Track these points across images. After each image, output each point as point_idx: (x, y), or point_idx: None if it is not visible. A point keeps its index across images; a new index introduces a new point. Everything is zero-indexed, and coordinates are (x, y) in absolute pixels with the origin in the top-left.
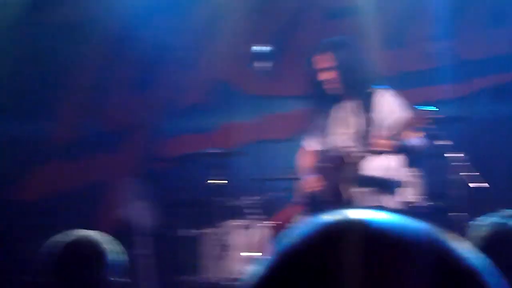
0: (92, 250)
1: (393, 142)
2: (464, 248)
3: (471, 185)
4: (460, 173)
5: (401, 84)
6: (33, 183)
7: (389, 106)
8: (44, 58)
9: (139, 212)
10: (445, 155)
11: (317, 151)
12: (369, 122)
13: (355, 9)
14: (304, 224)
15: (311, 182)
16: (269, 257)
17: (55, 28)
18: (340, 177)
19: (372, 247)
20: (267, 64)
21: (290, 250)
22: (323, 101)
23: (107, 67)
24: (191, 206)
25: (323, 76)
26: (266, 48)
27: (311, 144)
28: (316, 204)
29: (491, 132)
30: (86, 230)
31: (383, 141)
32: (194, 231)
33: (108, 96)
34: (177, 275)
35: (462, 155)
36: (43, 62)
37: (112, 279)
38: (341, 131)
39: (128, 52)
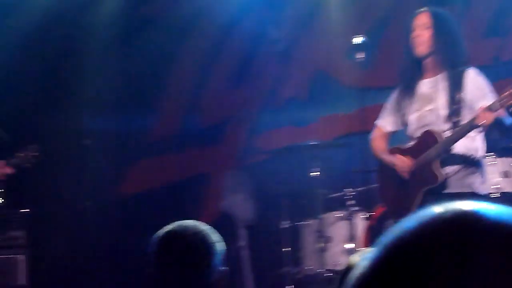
0: (201, 239)
1: (496, 115)
2: None
3: None
4: None
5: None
6: (136, 176)
7: (480, 88)
8: (146, 53)
9: (240, 204)
10: None
11: (393, 131)
12: (459, 100)
13: None
14: (413, 217)
15: (400, 162)
16: (375, 250)
17: (157, 23)
18: (431, 156)
19: (487, 241)
20: (365, 56)
21: (398, 243)
22: (411, 71)
23: (207, 61)
24: (292, 198)
25: (417, 34)
26: (364, 39)
27: (388, 123)
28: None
29: None
30: (193, 221)
31: (487, 113)
32: (294, 223)
33: (208, 90)
34: (277, 268)
35: None
36: (145, 58)
37: (221, 268)
38: (427, 107)
39: (227, 46)
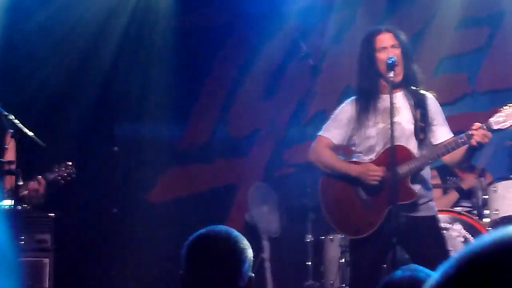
0: (233, 244)
1: (489, 135)
2: None
3: None
4: None
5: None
6: (164, 185)
7: (438, 111)
8: (179, 63)
9: (265, 216)
10: None
11: (338, 144)
12: (423, 119)
13: (486, 19)
14: (488, 234)
15: (370, 168)
16: (446, 265)
17: (191, 33)
18: (404, 172)
19: None
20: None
21: (472, 259)
22: (372, 86)
23: (238, 73)
24: (317, 212)
25: (387, 54)
26: (395, 58)
27: (336, 135)
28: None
29: None
30: (225, 226)
31: (485, 132)
32: (318, 237)
33: (238, 102)
34: (300, 281)
35: None
36: (178, 67)
37: (250, 274)
38: (388, 121)
39: (258, 59)
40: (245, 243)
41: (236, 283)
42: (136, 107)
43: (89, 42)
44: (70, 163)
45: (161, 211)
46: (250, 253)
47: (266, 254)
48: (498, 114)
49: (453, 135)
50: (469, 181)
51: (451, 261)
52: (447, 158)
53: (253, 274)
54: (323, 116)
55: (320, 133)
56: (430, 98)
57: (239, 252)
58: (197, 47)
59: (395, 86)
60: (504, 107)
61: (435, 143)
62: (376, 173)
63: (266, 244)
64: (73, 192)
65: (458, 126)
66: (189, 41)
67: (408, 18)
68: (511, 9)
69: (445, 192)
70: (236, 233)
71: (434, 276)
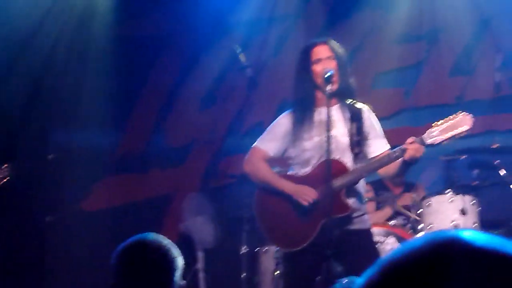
0: (163, 253)
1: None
2: None
3: None
4: None
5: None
6: (99, 193)
7: (374, 125)
8: (115, 71)
9: (200, 227)
10: (510, 185)
11: (273, 156)
12: (359, 132)
13: (424, 35)
14: (407, 242)
15: (304, 189)
16: (370, 271)
17: (129, 43)
18: (338, 185)
19: (474, 265)
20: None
21: (392, 266)
22: (308, 98)
23: (176, 83)
24: (252, 223)
25: (323, 66)
26: (332, 72)
27: (272, 147)
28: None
29: None
30: (155, 234)
31: (419, 147)
32: (253, 249)
33: (176, 112)
34: None
35: None
36: (114, 76)
37: (181, 283)
38: (327, 135)
39: (197, 69)
40: (176, 252)
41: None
42: (71, 114)
43: (22, 45)
44: (6, 166)
45: (96, 220)
46: (180, 261)
47: (200, 265)
48: (431, 130)
49: (389, 147)
50: (405, 200)
51: (375, 266)
52: (382, 172)
53: (184, 282)
54: (260, 128)
55: (255, 144)
56: (366, 111)
57: (170, 261)
58: (135, 55)
59: (331, 99)
60: (437, 123)
61: (371, 156)
62: (307, 198)
63: (200, 255)
64: (6, 199)
65: (394, 141)
66: (127, 49)
67: (347, 32)
68: (447, 25)
69: (378, 206)
70: (166, 241)
71: (359, 281)
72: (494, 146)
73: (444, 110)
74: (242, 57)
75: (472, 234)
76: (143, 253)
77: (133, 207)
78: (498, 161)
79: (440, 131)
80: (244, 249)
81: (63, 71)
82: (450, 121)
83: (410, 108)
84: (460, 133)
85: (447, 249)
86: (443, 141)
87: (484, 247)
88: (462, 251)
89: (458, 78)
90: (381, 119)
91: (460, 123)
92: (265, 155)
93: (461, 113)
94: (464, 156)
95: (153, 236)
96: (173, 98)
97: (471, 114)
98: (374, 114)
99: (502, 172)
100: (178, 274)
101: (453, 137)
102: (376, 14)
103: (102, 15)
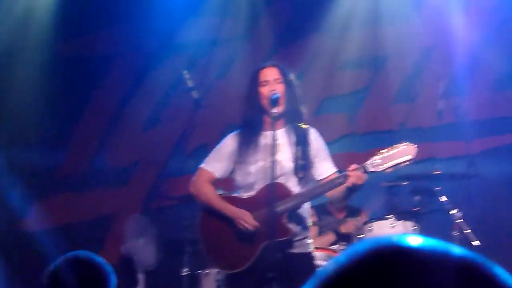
0: (96, 270)
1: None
2: (506, 275)
3: (473, 243)
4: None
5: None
6: (39, 213)
7: (322, 148)
8: (60, 90)
9: (141, 248)
10: (449, 211)
11: (219, 178)
12: (305, 156)
13: (369, 62)
14: (346, 250)
15: (244, 215)
16: (309, 283)
17: (73, 61)
18: (281, 209)
19: (413, 269)
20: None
21: (331, 276)
22: (255, 121)
23: (121, 102)
24: (194, 245)
25: (271, 88)
26: (278, 95)
27: (218, 169)
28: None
29: (494, 191)
30: (88, 252)
31: (361, 174)
32: (194, 271)
33: (119, 131)
34: None
35: (456, 211)
36: (59, 95)
37: None
38: (272, 159)
39: (142, 89)
40: (110, 268)
41: None
42: (12, 132)
43: None
44: None
45: (35, 240)
46: (114, 278)
47: (141, 287)
48: (375, 157)
49: (336, 170)
50: (348, 226)
51: (313, 279)
52: (328, 196)
53: None
54: (204, 150)
55: (201, 165)
56: (313, 133)
57: (104, 278)
58: (80, 73)
59: (277, 122)
60: (381, 151)
61: (319, 179)
62: (247, 224)
63: (141, 277)
64: None
65: (338, 166)
66: (72, 67)
67: (293, 56)
68: (392, 53)
69: (321, 231)
70: (99, 258)
71: None
72: (435, 173)
73: (387, 137)
74: (187, 79)
75: (413, 238)
76: (75, 270)
77: (74, 227)
78: (439, 188)
79: (383, 159)
80: (185, 272)
81: (4, 89)
82: (394, 150)
83: (355, 133)
84: (403, 162)
85: (389, 253)
86: (385, 169)
87: (425, 251)
88: (404, 255)
89: (402, 105)
90: (325, 144)
91: (403, 153)
92: (211, 176)
93: (405, 143)
94: (406, 183)
95: (85, 253)
96: (117, 118)
97: (415, 145)
98: (321, 137)
99: (443, 198)
100: None
101: (395, 166)
102: (323, 40)
103: (45, 33)
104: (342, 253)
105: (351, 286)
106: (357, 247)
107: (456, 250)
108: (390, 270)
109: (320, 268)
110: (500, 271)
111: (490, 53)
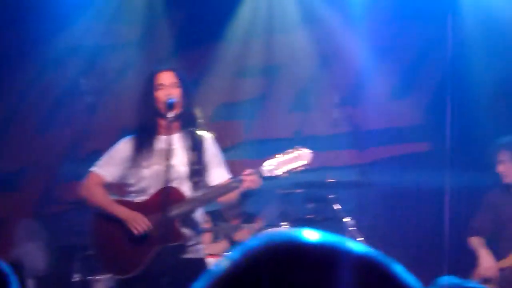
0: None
1: (260, 181)
2: (403, 272)
3: None
4: (348, 237)
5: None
6: None
7: (216, 154)
8: None
9: (31, 253)
10: (342, 219)
11: (110, 182)
12: (199, 161)
13: (265, 70)
14: (239, 247)
15: (135, 217)
16: (201, 282)
17: None
18: (174, 214)
19: (307, 262)
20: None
21: (225, 275)
22: (150, 126)
23: (13, 104)
24: (86, 251)
25: (167, 92)
26: (175, 100)
27: (109, 173)
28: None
29: (386, 200)
30: None
31: (256, 178)
32: (86, 277)
33: (11, 134)
34: None
35: (349, 219)
36: None
37: None
38: (166, 164)
39: (36, 91)
40: (9, 269)
41: None
42: None
43: None
44: None
45: None
46: (15, 280)
47: None
48: (269, 162)
49: (229, 176)
50: (243, 232)
51: (205, 278)
52: (221, 200)
53: None
54: (99, 155)
55: (92, 169)
56: (208, 139)
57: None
58: None
59: (172, 127)
60: (276, 155)
61: (211, 185)
62: (140, 226)
63: (31, 283)
64: None
65: (233, 173)
66: None
67: (191, 62)
68: (286, 62)
69: (216, 237)
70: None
71: None
72: (330, 181)
73: (283, 144)
74: (83, 82)
75: (311, 233)
76: None
77: None
78: (333, 195)
79: (278, 164)
80: (76, 277)
81: None
82: (289, 155)
83: (250, 141)
84: (298, 167)
85: (284, 248)
86: (280, 174)
87: (323, 246)
88: (301, 250)
89: (297, 114)
90: (220, 150)
91: (298, 158)
92: (102, 180)
93: (300, 148)
94: (300, 190)
95: None
96: (7, 121)
97: (310, 150)
98: (216, 144)
99: (336, 206)
100: None
101: (290, 170)
102: (221, 47)
103: None
104: (236, 249)
105: (245, 283)
106: (251, 243)
107: (356, 246)
108: (285, 266)
109: (213, 266)
110: (399, 269)
111: (386, 62)
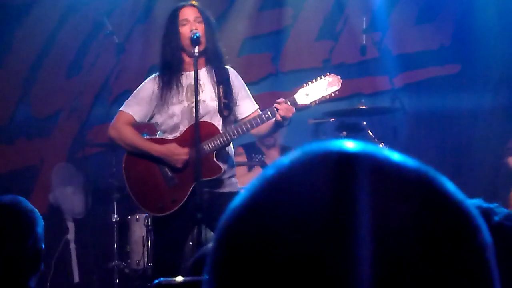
0: (17, 215)
1: (294, 111)
2: (459, 191)
3: None
4: None
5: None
6: None
7: (243, 87)
8: None
9: (69, 197)
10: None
11: (139, 121)
12: (227, 96)
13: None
14: (295, 152)
15: (175, 150)
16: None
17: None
18: (210, 147)
19: (368, 182)
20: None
21: (272, 182)
22: (176, 62)
23: (40, 50)
24: (122, 192)
25: (190, 27)
26: (199, 34)
27: (138, 112)
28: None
29: (418, 124)
30: (15, 197)
31: (290, 107)
32: (124, 217)
33: (40, 80)
34: (105, 262)
35: (382, 145)
36: None
37: (39, 247)
38: (192, 99)
39: (61, 36)
40: (35, 215)
41: (20, 255)
42: None
43: None
44: None
45: None
46: (39, 224)
47: (71, 236)
48: (302, 90)
49: (257, 107)
50: (273, 157)
51: (258, 177)
52: (254, 132)
53: (43, 247)
54: (128, 96)
55: (121, 108)
56: (232, 72)
57: (26, 224)
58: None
59: (198, 62)
60: (309, 83)
61: (241, 118)
62: (180, 157)
63: (70, 225)
64: None
65: (262, 105)
66: None
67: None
68: None
69: (250, 169)
70: (25, 203)
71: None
72: (361, 108)
73: (311, 74)
74: (108, 23)
75: (360, 144)
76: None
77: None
78: (365, 122)
79: (310, 92)
80: (114, 218)
81: None
82: (319, 82)
83: (278, 72)
84: (330, 93)
85: (337, 158)
86: (314, 101)
87: (379, 158)
88: (356, 161)
89: (325, 42)
90: (248, 84)
91: (329, 84)
92: (130, 119)
93: (329, 74)
94: (332, 119)
95: (10, 197)
96: (37, 67)
97: (339, 76)
98: (240, 77)
99: (369, 133)
100: (36, 236)
101: (322, 98)
102: None
103: None
104: (285, 157)
105: (294, 192)
106: (302, 151)
107: (409, 161)
108: (345, 177)
109: (263, 171)
110: (452, 188)
111: None
